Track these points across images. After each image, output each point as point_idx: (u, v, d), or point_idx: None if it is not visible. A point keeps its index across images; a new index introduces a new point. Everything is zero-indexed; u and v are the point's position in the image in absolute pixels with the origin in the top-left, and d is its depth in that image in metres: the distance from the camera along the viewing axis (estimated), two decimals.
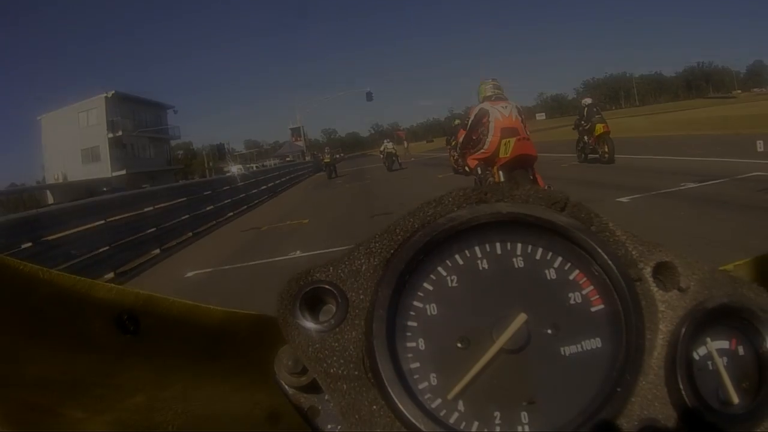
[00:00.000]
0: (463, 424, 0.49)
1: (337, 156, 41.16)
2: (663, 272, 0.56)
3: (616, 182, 10.80)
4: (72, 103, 53.15)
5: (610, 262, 0.54)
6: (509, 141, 6.82)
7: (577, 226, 0.56)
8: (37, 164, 53.77)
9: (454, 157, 17.44)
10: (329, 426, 0.52)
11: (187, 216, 13.63)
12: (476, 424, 0.49)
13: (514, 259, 0.55)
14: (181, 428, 0.55)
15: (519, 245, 0.56)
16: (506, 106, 7.19)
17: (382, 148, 30.94)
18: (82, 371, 0.48)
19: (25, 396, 0.44)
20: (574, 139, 16.68)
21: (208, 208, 15.53)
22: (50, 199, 42.73)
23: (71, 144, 49.81)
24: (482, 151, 7.13)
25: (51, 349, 0.45)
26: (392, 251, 0.54)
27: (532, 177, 6.93)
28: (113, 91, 52.54)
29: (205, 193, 16.14)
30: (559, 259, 0.56)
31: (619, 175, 11.94)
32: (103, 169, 49.27)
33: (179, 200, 13.77)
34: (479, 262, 0.55)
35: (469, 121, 7.49)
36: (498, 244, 0.56)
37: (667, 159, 14.04)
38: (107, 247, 9.38)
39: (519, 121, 7.16)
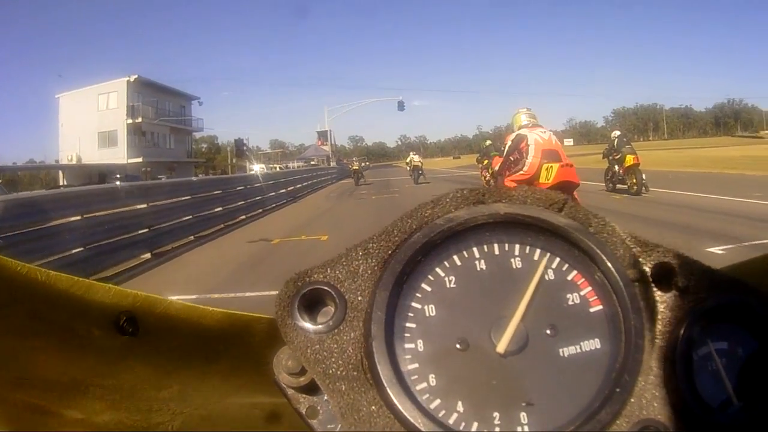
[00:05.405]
0: (463, 424, 0.49)
1: (364, 164, 42.50)
2: (662, 273, 0.56)
3: (689, 224, 9.25)
4: (92, 84, 51.37)
5: (608, 263, 0.54)
6: (552, 166, 6.63)
7: (575, 226, 0.56)
8: (55, 143, 52.00)
9: (485, 177, 17.39)
10: (328, 426, 0.52)
11: (190, 217, 11.91)
12: (475, 424, 0.49)
13: (512, 260, 0.55)
14: (179, 429, 0.57)
15: (517, 246, 0.56)
16: (545, 131, 7.09)
17: (408, 160, 30.97)
18: (81, 372, 0.49)
19: (23, 397, 0.45)
20: (598, 167, 16.56)
21: (216, 210, 13.83)
22: (62, 181, 41.57)
23: (88, 126, 48.01)
24: (521, 173, 6.83)
25: (49, 351, 0.46)
26: (390, 252, 0.54)
27: None
28: (136, 76, 50.74)
29: (215, 192, 14.47)
30: (557, 259, 0.56)
31: (686, 216, 10.38)
32: (119, 155, 47.41)
33: (183, 198, 12.07)
34: (477, 262, 0.55)
35: (506, 147, 7.39)
36: (496, 245, 0.56)
37: (730, 200, 12.29)
38: (81, 249, 7.67)
39: (560, 146, 7.07)
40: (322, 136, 78.01)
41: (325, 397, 0.52)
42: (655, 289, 0.55)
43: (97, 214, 8.52)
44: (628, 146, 14.81)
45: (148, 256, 9.45)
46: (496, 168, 8.15)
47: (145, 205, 9.99)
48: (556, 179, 6.51)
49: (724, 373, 0.53)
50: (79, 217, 7.93)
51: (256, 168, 38.91)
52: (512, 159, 7.22)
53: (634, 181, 14.25)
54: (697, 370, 0.53)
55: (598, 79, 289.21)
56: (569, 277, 0.55)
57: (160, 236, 10.31)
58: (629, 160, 14.42)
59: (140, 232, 9.57)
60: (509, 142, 7.28)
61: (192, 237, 11.58)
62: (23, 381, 0.45)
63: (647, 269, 0.55)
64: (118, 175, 31.61)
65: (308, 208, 19.33)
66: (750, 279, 0.57)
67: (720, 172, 22.92)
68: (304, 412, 0.53)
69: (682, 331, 0.52)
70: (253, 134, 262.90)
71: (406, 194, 21.45)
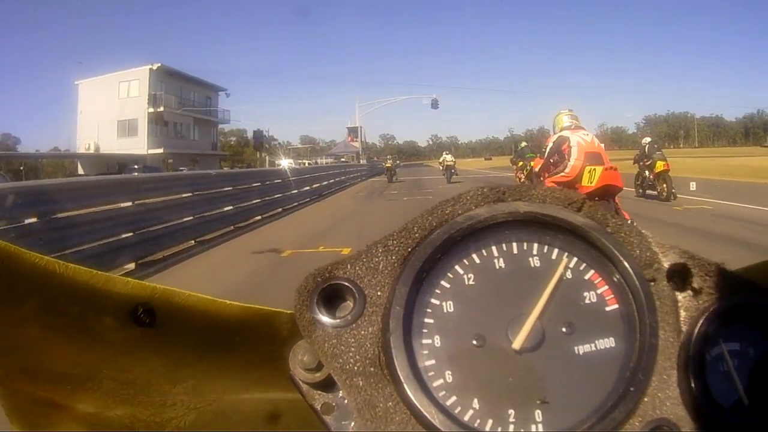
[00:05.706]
0: (478, 421, 0.49)
1: (397, 162, 43.27)
2: (677, 273, 0.56)
3: None
4: (113, 71, 49.59)
5: (625, 262, 0.54)
6: (595, 169, 6.49)
7: (593, 226, 0.56)
8: (74, 131, 50.56)
9: (520, 178, 17.32)
10: (342, 423, 0.52)
11: (191, 218, 10.23)
12: (490, 422, 0.49)
13: (531, 259, 0.55)
14: (192, 424, 0.56)
15: (535, 245, 0.56)
16: (587, 134, 6.99)
17: (441, 160, 30.93)
18: (95, 365, 0.49)
19: (34, 390, 0.46)
20: (628, 172, 15.48)
21: (226, 209, 12.16)
22: (79, 170, 40.40)
23: (108, 114, 46.32)
24: (563, 174, 6.73)
25: (64, 343, 0.47)
26: (410, 249, 0.54)
27: (614, 209, 6.35)
28: (159, 64, 49.26)
29: (226, 189, 12.79)
30: (575, 258, 0.56)
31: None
32: (140, 145, 45.85)
33: (183, 195, 10.37)
34: (496, 261, 0.55)
35: (547, 149, 7.27)
36: (515, 244, 0.56)
37: None
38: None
39: (602, 149, 6.94)
40: (353, 132, 76.24)
41: (340, 394, 0.52)
42: (670, 289, 0.55)
43: (65, 214, 6.93)
44: (658, 152, 15.10)
45: (131, 266, 7.87)
46: (536, 169, 7.89)
47: (130, 204, 8.31)
48: (599, 183, 6.37)
49: (736, 375, 0.53)
50: (34, 219, 6.30)
51: (284, 163, 37.99)
52: (552, 161, 7.11)
53: (665, 186, 14.56)
54: (709, 370, 0.53)
55: (630, 85, 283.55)
56: (586, 276, 0.55)
57: (151, 241, 8.66)
58: (659, 166, 14.70)
59: (123, 236, 7.92)
60: (551, 144, 7.15)
61: (193, 242, 9.94)
62: (34, 373, 0.44)
63: (663, 269, 0.55)
64: (135, 166, 30.31)
65: (333, 209, 17.73)
66: (764, 281, 0.57)
67: (756, 181, 21.89)
68: (318, 409, 0.52)
69: (695, 331, 0.53)
70: (283, 129, 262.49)
71: (440, 195, 18.27)
